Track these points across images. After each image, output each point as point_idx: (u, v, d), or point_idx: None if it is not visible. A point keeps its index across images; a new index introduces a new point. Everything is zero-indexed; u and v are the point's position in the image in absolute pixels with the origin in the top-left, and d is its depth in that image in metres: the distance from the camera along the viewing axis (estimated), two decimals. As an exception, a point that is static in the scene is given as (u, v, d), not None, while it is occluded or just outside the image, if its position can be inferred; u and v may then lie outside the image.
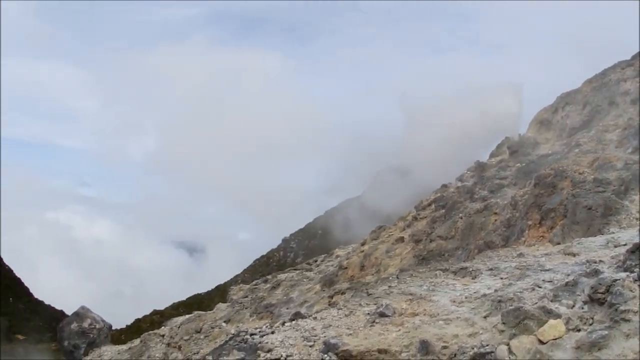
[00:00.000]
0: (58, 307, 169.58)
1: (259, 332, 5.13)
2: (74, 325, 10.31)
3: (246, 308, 7.68)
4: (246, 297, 8.13)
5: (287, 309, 6.88)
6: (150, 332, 8.91)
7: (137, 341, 9.40)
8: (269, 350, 4.74)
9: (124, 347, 9.63)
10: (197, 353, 6.99)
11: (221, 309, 8.28)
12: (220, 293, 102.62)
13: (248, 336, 5.07)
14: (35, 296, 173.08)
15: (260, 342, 4.89)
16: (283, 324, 5.35)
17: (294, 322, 5.37)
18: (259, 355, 4.72)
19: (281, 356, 4.61)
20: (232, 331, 6.62)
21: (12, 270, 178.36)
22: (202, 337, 7.68)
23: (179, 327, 8.32)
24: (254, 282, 8.18)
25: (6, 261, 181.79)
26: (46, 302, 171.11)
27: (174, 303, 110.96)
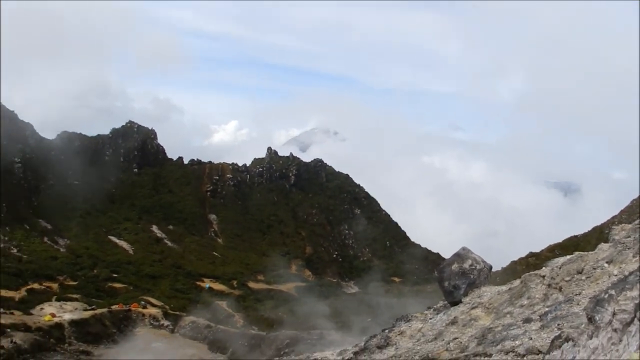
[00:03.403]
0: (433, 250, 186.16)
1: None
2: (454, 266, 11.69)
3: (629, 248, 7.91)
4: (629, 237, 8.29)
5: (673, 248, 7.01)
6: (531, 272, 9.79)
7: (516, 282, 10.36)
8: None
9: (504, 287, 10.67)
10: (579, 294, 7.63)
11: (603, 249, 8.61)
12: (596, 234, 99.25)
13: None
14: (412, 239, 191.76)
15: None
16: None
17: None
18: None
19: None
20: (615, 272, 7.16)
21: (389, 215, 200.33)
22: (583, 278, 8.28)
23: (559, 268, 9.00)
24: (637, 222, 8.19)
25: (384, 206, 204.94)
26: (422, 245, 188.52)
27: (549, 245, 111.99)
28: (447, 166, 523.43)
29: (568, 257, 9.28)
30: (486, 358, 7.24)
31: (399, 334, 11.28)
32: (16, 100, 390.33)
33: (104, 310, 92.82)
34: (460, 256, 11.80)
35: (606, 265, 8.01)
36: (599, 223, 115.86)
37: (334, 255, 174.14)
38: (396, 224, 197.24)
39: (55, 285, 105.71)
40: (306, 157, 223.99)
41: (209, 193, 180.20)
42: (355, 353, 11.39)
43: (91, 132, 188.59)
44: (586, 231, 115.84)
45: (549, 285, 8.81)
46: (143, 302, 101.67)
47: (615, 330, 5.29)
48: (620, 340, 5.17)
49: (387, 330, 11.77)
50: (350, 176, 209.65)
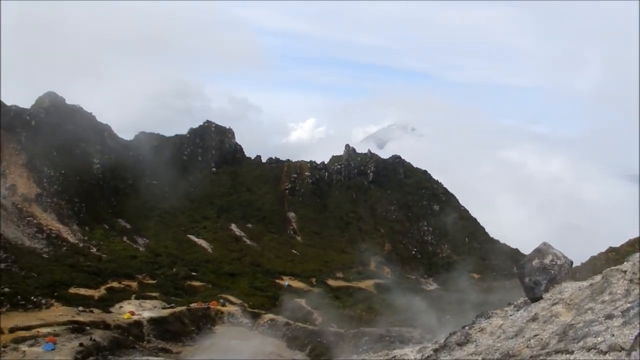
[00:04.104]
0: (512, 245, 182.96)
1: None
2: (535, 262, 11.62)
3: None
4: None
5: None
6: (613, 267, 9.69)
7: (597, 277, 10.27)
8: None
9: (585, 283, 10.56)
10: (663, 289, 7.61)
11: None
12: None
13: None
14: (491, 235, 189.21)
15: None
16: None
17: None
18: None
19: None
20: None
21: (468, 211, 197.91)
22: (666, 272, 8.23)
23: (642, 263, 8.94)
24: None
25: (463, 201, 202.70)
26: (501, 241, 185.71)
27: (629, 239, 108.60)
28: (526, 160, 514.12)
29: (650, 251, 9.16)
30: (568, 355, 7.24)
31: (479, 331, 11.30)
32: (94, 102, 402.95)
33: (183, 308, 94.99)
34: (540, 251, 11.72)
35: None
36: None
37: (413, 252, 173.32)
38: (475, 219, 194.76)
39: (134, 284, 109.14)
40: (384, 154, 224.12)
41: (287, 191, 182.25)
42: (435, 350, 11.47)
43: (169, 132, 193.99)
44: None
45: (631, 281, 8.72)
46: (222, 300, 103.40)
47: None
48: None
49: (467, 327, 11.82)
50: (429, 172, 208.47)
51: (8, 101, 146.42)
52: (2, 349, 62.09)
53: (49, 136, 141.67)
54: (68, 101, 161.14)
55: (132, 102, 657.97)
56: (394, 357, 12.60)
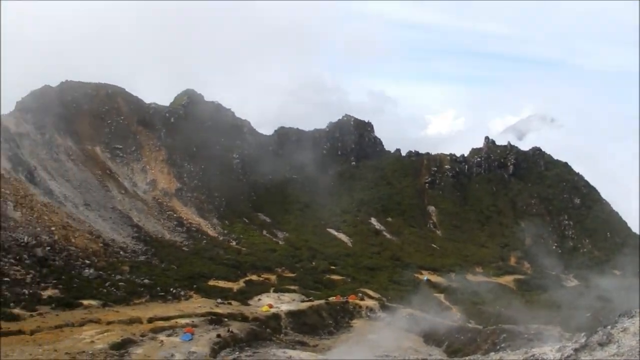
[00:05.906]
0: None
1: None
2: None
3: None
4: None
5: None
6: None
7: None
8: None
9: None
10: None
11: None
12: None
13: None
14: (633, 229, 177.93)
15: None
16: None
17: None
18: None
19: None
20: None
21: (609, 204, 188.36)
22: None
23: None
24: None
25: (604, 194, 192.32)
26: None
27: None
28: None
29: None
30: None
31: (621, 331, 11.04)
32: (233, 98, 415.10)
33: (321, 301, 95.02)
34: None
35: None
36: None
37: (554, 247, 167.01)
38: (617, 213, 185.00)
39: (273, 277, 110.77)
40: (524, 146, 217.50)
41: (427, 184, 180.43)
42: (576, 350, 11.30)
43: (308, 126, 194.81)
44: None
45: None
46: (360, 294, 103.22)
47: None
48: None
49: (608, 327, 11.56)
50: (569, 164, 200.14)
51: (147, 99, 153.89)
52: (141, 338, 63.76)
53: (189, 132, 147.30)
54: (206, 98, 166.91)
55: (270, 97, 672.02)
56: (533, 355, 12.50)
